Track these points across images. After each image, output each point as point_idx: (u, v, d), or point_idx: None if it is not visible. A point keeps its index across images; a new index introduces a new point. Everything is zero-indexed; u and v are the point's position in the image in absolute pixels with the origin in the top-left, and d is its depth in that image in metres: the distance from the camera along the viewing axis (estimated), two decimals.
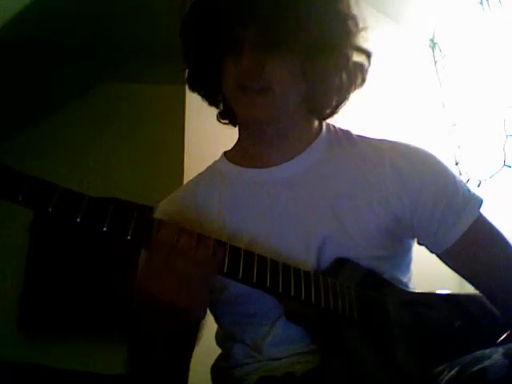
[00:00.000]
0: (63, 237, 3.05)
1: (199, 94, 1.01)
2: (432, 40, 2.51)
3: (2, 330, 2.91)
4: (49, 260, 3.04)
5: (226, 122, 1.05)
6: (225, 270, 0.76)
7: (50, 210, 0.69)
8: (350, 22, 0.91)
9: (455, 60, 2.45)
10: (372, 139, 0.99)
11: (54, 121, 3.25)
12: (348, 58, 0.92)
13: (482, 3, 2.25)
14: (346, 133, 1.01)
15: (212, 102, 1.02)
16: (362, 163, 0.93)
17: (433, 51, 2.51)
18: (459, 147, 2.37)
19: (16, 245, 3.07)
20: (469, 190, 0.94)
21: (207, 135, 1.82)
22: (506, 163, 2.19)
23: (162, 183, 1.93)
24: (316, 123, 1.00)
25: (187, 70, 0.99)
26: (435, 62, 2.50)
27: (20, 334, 2.98)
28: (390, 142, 0.97)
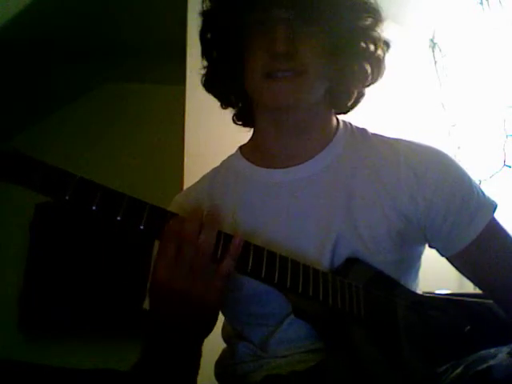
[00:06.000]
0: (63, 236, 3.06)
1: (215, 94, 1.00)
2: (432, 40, 2.51)
3: (2, 330, 2.91)
4: (49, 260, 3.04)
5: (241, 123, 1.03)
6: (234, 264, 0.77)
7: (67, 197, 0.71)
8: (375, 12, 0.93)
9: (455, 60, 2.45)
10: (388, 138, 0.97)
11: (54, 121, 3.25)
12: (374, 47, 0.93)
13: (482, 3, 2.25)
14: (362, 131, 1.00)
15: (227, 103, 1.01)
16: (377, 164, 0.93)
17: (433, 51, 2.51)
18: (459, 147, 2.37)
19: (16, 245, 3.07)
20: (483, 193, 0.93)
21: (207, 135, 1.82)
22: (506, 163, 2.19)
23: (162, 183, 1.93)
24: (334, 120, 0.99)
25: (205, 69, 0.97)
26: (435, 62, 2.50)
27: (20, 333, 2.98)
28: (406, 141, 0.96)
